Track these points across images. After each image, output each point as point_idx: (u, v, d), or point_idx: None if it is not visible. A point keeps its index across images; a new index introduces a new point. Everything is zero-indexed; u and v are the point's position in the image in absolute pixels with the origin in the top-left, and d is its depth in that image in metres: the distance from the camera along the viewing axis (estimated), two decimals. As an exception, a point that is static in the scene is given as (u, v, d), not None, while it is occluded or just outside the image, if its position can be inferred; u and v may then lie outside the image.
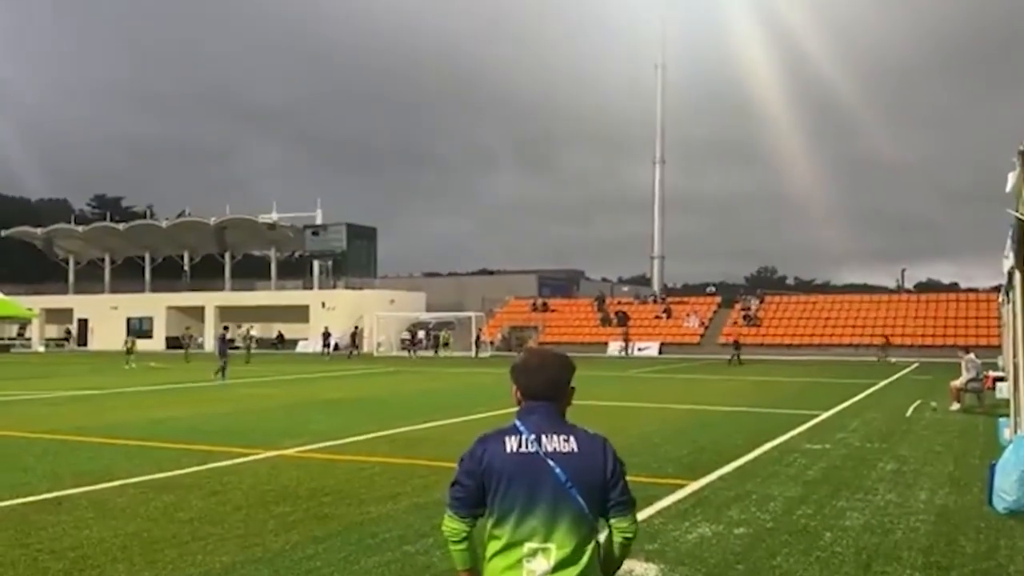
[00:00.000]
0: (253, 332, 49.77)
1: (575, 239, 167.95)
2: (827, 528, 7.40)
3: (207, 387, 24.57)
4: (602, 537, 2.87)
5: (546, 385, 2.93)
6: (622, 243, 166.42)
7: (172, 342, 57.91)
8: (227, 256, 67.41)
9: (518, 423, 2.88)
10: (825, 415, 16.57)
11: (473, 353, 47.53)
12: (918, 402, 18.68)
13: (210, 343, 60.90)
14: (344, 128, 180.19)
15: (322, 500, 8.41)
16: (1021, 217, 4.81)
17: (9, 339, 65.28)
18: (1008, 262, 9.51)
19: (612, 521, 2.86)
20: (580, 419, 2.95)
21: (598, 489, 2.81)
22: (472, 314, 52.33)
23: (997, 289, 26.56)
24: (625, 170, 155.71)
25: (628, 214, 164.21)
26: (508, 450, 2.82)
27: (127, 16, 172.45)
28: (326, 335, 50.51)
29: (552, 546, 2.73)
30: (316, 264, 63.28)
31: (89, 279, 71.14)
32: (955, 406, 17.28)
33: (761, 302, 55.24)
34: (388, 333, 53.22)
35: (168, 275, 69.45)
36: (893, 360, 39.02)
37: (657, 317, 55.14)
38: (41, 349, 61.82)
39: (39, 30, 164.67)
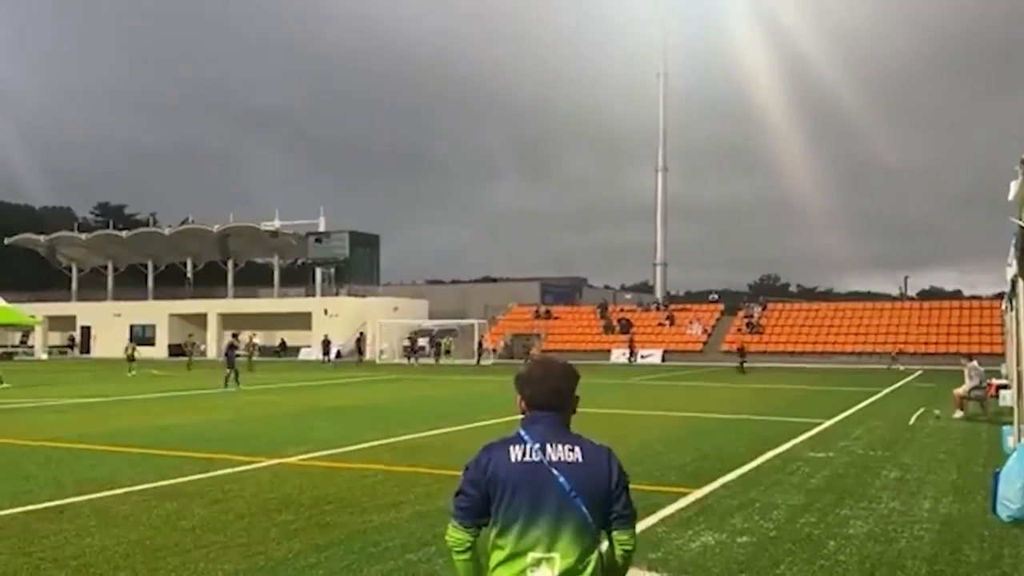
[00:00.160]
0: (256, 340, 49.79)
1: (578, 246, 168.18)
2: (831, 537, 7.38)
3: (209, 395, 24.57)
4: (604, 547, 2.87)
5: (551, 395, 2.93)
6: (624, 250, 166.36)
7: (175, 350, 57.96)
8: (230, 263, 67.48)
9: (522, 432, 2.88)
10: (828, 423, 16.54)
11: (475, 361, 47.50)
12: (921, 410, 18.65)
13: (212, 351, 61.05)
14: (347, 134, 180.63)
15: (324, 508, 8.40)
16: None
17: (12, 347, 65.30)
18: (1011, 270, 9.50)
19: (613, 533, 2.85)
20: (583, 427, 2.95)
21: (602, 499, 2.81)
22: (475, 321, 52.35)
23: (1000, 297, 26.51)
24: (627, 177, 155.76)
25: (630, 221, 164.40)
26: (513, 459, 2.82)
27: (130, 22, 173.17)
28: (326, 343, 50.54)
29: (556, 555, 2.73)
30: (319, 271, 63.33)
31: (92, 287, 71.27)
32: (958, 414, 17.25)
33: (764, 309, 55.22)
34: (391, 341, 53.22)
35: (171, 283, 69.55)
36: (902, 368, 39.01)
37: (660, 324, 55.11)
38: (44, 357, 61.87)
39: (42, 36, 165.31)
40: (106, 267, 71.91)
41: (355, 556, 6.69)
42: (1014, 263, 8.80)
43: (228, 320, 61.98)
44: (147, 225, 75.05)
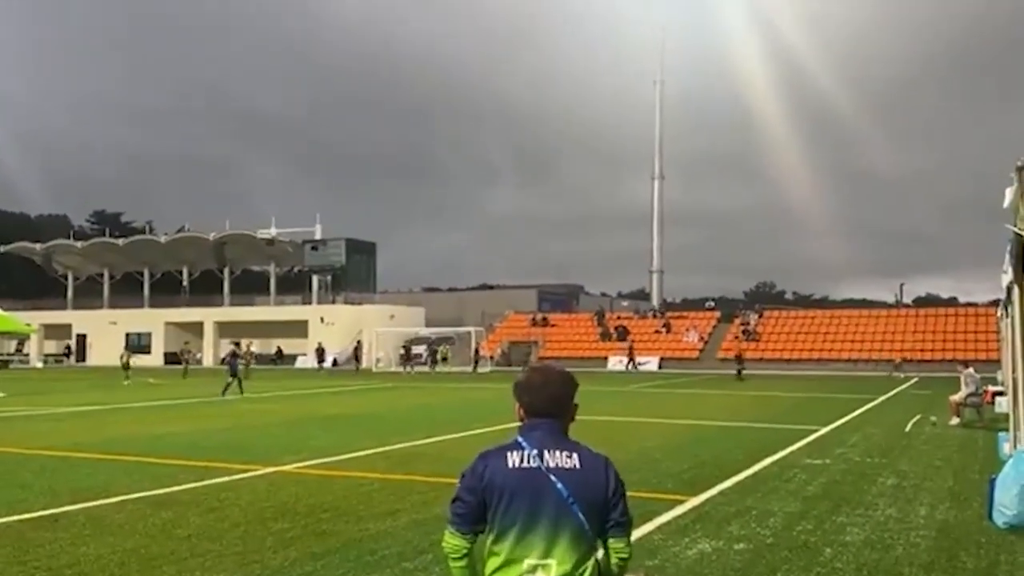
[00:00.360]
0: (252, 348, 49.75)
1: (575, 253, 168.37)
2: (827, 544, 7.38)
3: (205, 403, 24.52)
4: (600, 555, 2.87)
5: (549, 402, 2.93)
6: (621, 257, 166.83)
7: (171, 358, 57.86)
8: (226, 271, 67.46)
9: (520, 439, 2.89)
10: (824, 430, 16.54)
11: (472, 368, 47.47)
12: (917, 417, 18.66)
13: (209, 359, 60.98)
14: (344, 142, 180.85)
15: (320, 517, 8.38)
16: (1019, 232, 4.82)
17: (8, 355, 65.19)
18: (1007, 277, 9.52)
19: (609, 541, 2.86)
20: (580, 434, 2.95)
21: (599, 507, 2.81)
22: (472, 329, 52.31)
23: (996, 303, 26.56)
24: (624, 185, 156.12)
25: (627, 229, 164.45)
26: (510, 465, 2.82)
27: (126, 29, 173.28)
28: (320, 351, 50.47)
29: (552, 562, 2.73)
30: (315, 279, 63.32)
31: (88, 295, 71.19)
32: (954, 420, 17.26)
33: (760, 317, 55.28)
34: (387, 349, 53.17)
35: (167, 290, 69.51)
36: (902, 375, 39.03)
37: (657, 332, 55.15)
38: (39, 365, 61.74)
39: (38, 43, 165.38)
40: (102, 275, 71.83)
41: (351, 564, 6.67)
42: (1009, 270, 8.82)
43: (224, 328, 61.93)
44: (143, 233, 75.06)
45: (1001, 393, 18.00)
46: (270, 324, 60.20)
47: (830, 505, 9.08)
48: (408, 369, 45.63)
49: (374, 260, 65.73)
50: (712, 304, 66.53)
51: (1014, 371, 10.15)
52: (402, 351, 48.21)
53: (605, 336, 55.50)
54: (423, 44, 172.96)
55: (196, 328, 62.21)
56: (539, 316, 60.38)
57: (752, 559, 6.88)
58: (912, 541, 7.51)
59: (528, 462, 2.81)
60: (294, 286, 69.12)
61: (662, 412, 21.38)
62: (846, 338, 50.74)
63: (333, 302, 61.21)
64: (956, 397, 17.76)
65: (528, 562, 2.74)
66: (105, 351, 59.93)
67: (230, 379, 26.87)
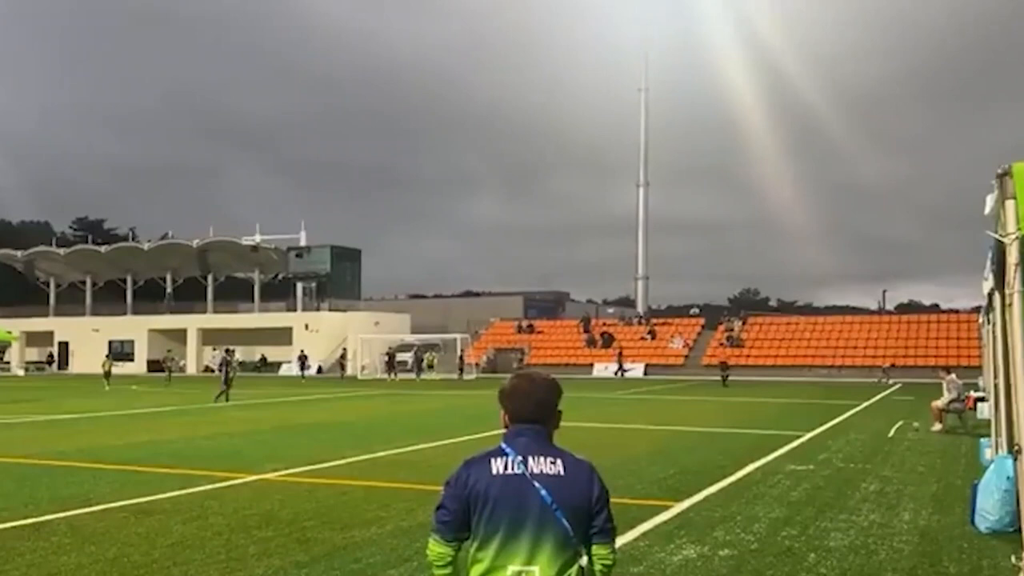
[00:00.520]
0: (236, 355, 49.54)
1: (560, 261, 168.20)
2: (811, 549, 7.41)
3: (188, 410, 24.39)
4: (584, 562, 2.87)
5: (535, 408, 2.93)
6: (607, 264, 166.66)
7: (154, 365, 57.47)
8: (210, 278, 67.09)
9: (504, 446, 2.89)
10: (808, 436, 16.62)
11: (457, 375, 47.40)
12: (900, 423, 18.77)
13: (192, 366, 60.63)
14: (329, 150, 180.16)
15: (305, 524, 8.34)
16: (1000, 239, 4.86)
17: (-12, 363, 64.65)
18: (988, 284, 9.59)
19: (593, 548, 2.85)
20: (565, 441, 2.96)
21: (583, 513, 2.81)
22: (457, 336, 52.23)
23: (977, 310, 26.76)
24: (609, 192, 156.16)
25: (613, 236, 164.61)
26: (494, 472, 2.82)
27: (108, 38, 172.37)
28: (302, 358, 50.40)
29: (536, 569, 2.73)
30: (300, 286, 63.08)
31: (70, 302, 70.64)
32: (937, 426, 17.37)
33: (744, 324, 55.50)
34: (373, 356, 53.01)
35: (150, 298, 69.04)
36: (889, 380, 39.24)
37: (642, 338, 55.28)
38: (20, 373, 61.20)
39: (19, 50, 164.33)
40: (85, 282, 71.30)
41: (336, 572, 6.64)
42: (990, 277, 8.89)
43: (208, 336, 61.60)
44: (126, 240, 74.71)
45: (983, 399, 18.13)
46: (254, 331, 59.90)
47: (814, 511, 9.12)
48: (393, 376, 45.49)
49: (359, 267, 65.54)
50: (697, 311, 66.74)
51: (995, 377, 10.22)
52: (386, 358, 48.03)
53: (591, 343, 55.59)
54: (410, 53, 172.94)
55: (180, 335, 61.85)
56: (525, 323, 60.40)
57: (737, 565, 6.90)
58: (895, 546, 7.55)
59: (512, 468, 2.81)
60: (278, 293, 68.77)
61: (647, 418, 21.42)
62: (829, 344, 51.00)
63: (318, 309, 60.98)
64: (938, 403, 17.87)
65: (512, 568, 2.73)
66: (88, 359, 59.45)
67: (224, 386, 26.73)
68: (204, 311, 64.47)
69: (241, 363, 49.95)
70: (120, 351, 59.80)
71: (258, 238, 62.92)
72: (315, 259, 61.51)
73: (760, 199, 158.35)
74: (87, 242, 73.05)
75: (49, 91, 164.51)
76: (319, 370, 53.27)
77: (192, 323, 62.50)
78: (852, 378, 43.71)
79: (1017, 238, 4.79)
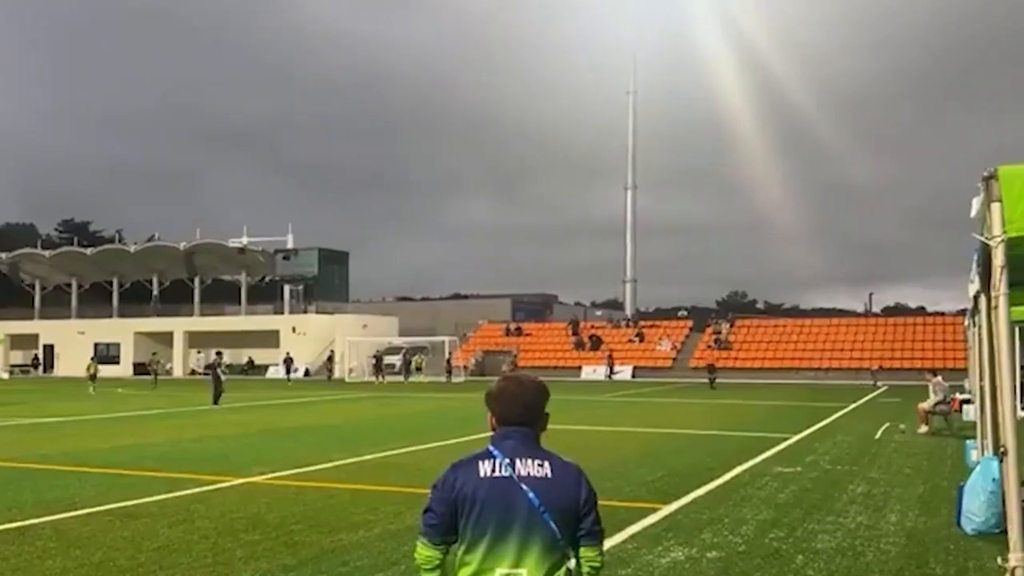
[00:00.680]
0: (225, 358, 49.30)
1: (548, 263, 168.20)
2: (799, 551, 7.43)
3: (175, 413, 24.27)
4: (572, 564, 2.86)
5: (522, 411, 2.93)
6: (595, 267, 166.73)
7: (140, 368, 57.15)
8: (196, 281, 66.80)
9: (492, 448, 2.88)
10: (795, 438, 16.68)
11: (445, 378, 47.34)
12: (887, 425, 18.84)
13: (179, 369, 60.33)
14: (316, 152, 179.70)
15: (292, 528, 8.31)
16: (986, 242, 4.89)
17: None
18: (974, 286, 9.64)
19: (580, 550, 2.85)
20: (553, 443, 2.95)
21: (571, 515, 2.81)
22: (445, 339, 52.17)
23: (963, 313, 26.90)
24: (598, 194, 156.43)
25: (601, 238, 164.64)
26: (482, 474, 2.81)
27: (94, 39, 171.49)
28: (288, 361, 50.23)
29: (523, 571, 2.72)
30: (287, 289, 62.88)
31: (56, 304, 70.14)
32: (923, 428, 17.45)
33: (732, 326, 55.65)
34: (360, 358, 52.89)
35: (136, 300, 68.66)
36: (877, 384, 39.42)
37: (630, 341, 55.35)
38: (5, 376, 60.72)
39: (3, 51, 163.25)
40: (70, 284, 70.85)
41: (323, 576, 6.62)
42: (976, 279, 8.94)
43: (195, 338, 61.32)
44: (112, 242, 74.28)
45: (968, 401, 18.23)
46: (241, 334, 59.64)
47: (801, 513, 9.15)
48: (380, 379, 45.40)
49: (347, 269, 65.40)
50: (685, 313, 66.90)
51: (981, 379, 10.27)
52: (373, 361, 47.92)
53: (579, 345, 55.63)
54: (398, 56, 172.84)
55: (166, 338, 61.55)
56: (513, 325, 60.39)
57: (724, 567, 6.91)
58: (882, 548, 7.58)
59: (500, 471, 2.81)
60: (265, 296, 68.53)
61: (635, 421, 21.44)
62: (816, 347, 51.21)
63: (305, 312, 60.78)
64: (925, 405, 17.96)
65: (500, 571, 2.73)
66: (73, 361, 59.06)
67: (220, 388, 26.61)
68: (191, 314, 64.18)
69: (229, 366, 49.70)
70: (106, 354, 59.42)
71: (245, 240, 62.68)
72: (302, 261, 61.34)
73: (748, 202, 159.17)
74: (73, 244, 72.56)
75: (35, 92, 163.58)
76: (306, 373, 53.08)
77: (179, 326, 62.21)
78: (839, 380, 43.87)
79: (1003, 241, 4.81)
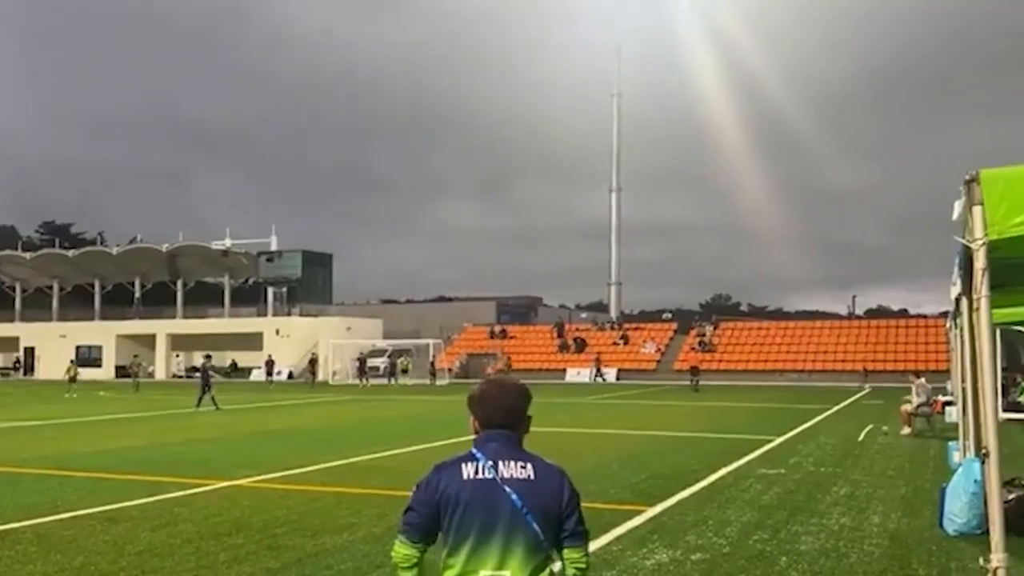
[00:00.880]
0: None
1: (533, 266, 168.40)
2: (783, 553, 7.45)
3: (157, 416, 24.12)
4: (556, 567, 2.86)
5: (504, 414, 2.93)
6: (580, 270, 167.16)
7: (122, 371, 56.78)
8: (179, 283, 66.44)
9: (475, 451, 2.88)
10: (779, 440, 16.73)
11: (429, 381, 47.24)
12: (870, 427, 18.94)
13: (161, 372, 59.95)
14: (299, 153, 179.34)
15: (276, 531, 8.27)
16: (967, 244, 4.93)
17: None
18: (955, 289, 9.70)
19: (565, 552, 2.85)
20: (537, 445, 2.95)
21: (554, 517, 2.81)
22: (430, 341, 52.10)
23: (945, 315, 27.12)
24: (582, 197, 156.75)
25: (585, 241, 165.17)
26: (465, 476, 2.81)
27: (76, 40, 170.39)
28: (269, 363, 49.97)
29: (507, 573, 2.72)
30: (271, 291, 62.63)
31: (37, 307, 69.59)
32: (906, 430, 17.55)
33: (715, 328, 55.84)
34: (344, 361, 52.73)
35: (118, 303, 68.21)
36: (868, 387, 39.65)
37: (615, 343, 55.44)
38: (-15, 379, 60.27)
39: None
40: (51, 287, 70.31)
41: (306, 579, 6.58)
42: (958, 282, 9.00)
43: (177, 341, 60.98)
44: (94, 244, 73.70)
45: (951, 403, 18.34)
46: (224, 337, 59.32)
47: (785, 514, 9.17)
48: (364, 382, 45.25)
49: (330, 272, 65.20)
50: (669, 316, 67.07)
51: (963, 381, 10.34)
52: (357, 363, 47.76)
53: (564, 348, 55.69)
54: (381, 58, 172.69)
55: (148, 341, 61.16)
56: (498, 328, 60.39)
57: (709, 569, 6.92)
58: (865, 549, 7.61)
59: (483, 473, 2.80)
60: (249, 298, 68.21)
61: (619, 423, 21.46)
62: (800, 349, 51.48)
63: (289, 314, 60.55)
64: (907, 407, 18.06)
65: (483, 573, 2.72)
66: (54, 365, 58.55)
67: (210, 391, 26.44)
68: (173, 316, 63.83)
69: (213, 368, 49.44)
70: (88, 357, 59.04)
71: (228, 242, 62.39)
72: (286, 264, 61.11)
73: (732, 205, 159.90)
74: (54, 246, 72.05)
75: (16, 94, 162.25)
76: (290, 375, 52.86)
77: (161, 328, 61.85)
78: (822, 383, 44.09)
79: (984, 244, 4.85)
